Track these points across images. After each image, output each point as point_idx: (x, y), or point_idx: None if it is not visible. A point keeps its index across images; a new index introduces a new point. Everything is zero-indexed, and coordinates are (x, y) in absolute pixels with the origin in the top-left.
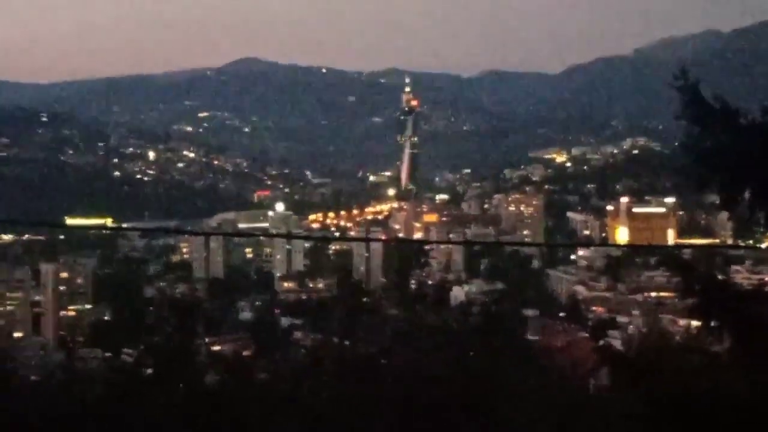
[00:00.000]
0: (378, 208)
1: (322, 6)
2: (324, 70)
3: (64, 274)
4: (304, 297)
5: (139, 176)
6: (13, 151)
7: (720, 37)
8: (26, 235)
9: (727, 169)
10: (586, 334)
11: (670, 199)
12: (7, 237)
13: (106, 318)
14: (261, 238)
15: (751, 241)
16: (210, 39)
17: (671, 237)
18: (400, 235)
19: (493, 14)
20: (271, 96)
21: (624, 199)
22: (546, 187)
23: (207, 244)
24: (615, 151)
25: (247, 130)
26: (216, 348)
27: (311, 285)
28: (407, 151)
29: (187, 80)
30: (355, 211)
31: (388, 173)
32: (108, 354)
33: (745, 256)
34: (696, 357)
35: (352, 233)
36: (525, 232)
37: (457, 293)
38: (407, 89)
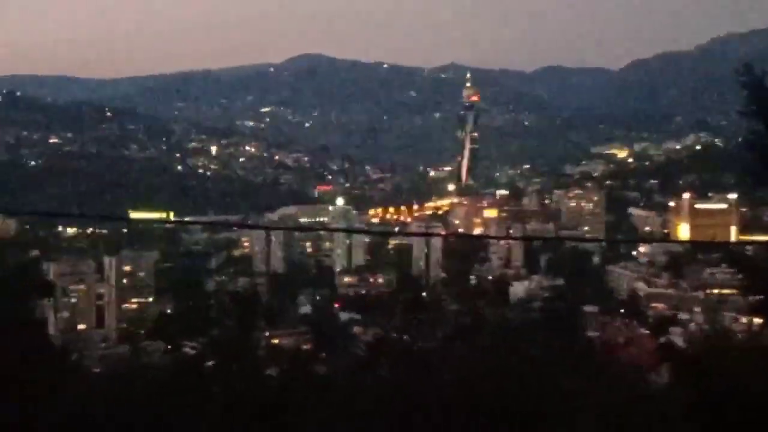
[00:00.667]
0: (438, 203)
1: (382, 2)
2: (385, 66)
3: (127, 268)
4: (363, 292)
5: (201, 171)
6: (78, 146)
7: None
8: (90, 229)
9: None
10: (647, 331)
11: (732, 196)
12: (72, 230)
13: (167, 311)
14: (321, 232)
15: None
16: (272, 35)
17: (733, 233)
18: (460, 230)
19: (552, 9)
20: (332, 91)
21: (686, 195)
22: (607, 182)
23: (268, 239)
24: (677, 147)
25: (308, 125)
26: (276, 342)
27: (371, 280)
28: (467, 146)
29: (249, 76)
30: (415, 206)
31: (448, 168)
32: (169, 347)
33: None
34: (758, 356)
35: (412, 228)
36: (585, 228)
37: (517, 289)
38: (468, 85)
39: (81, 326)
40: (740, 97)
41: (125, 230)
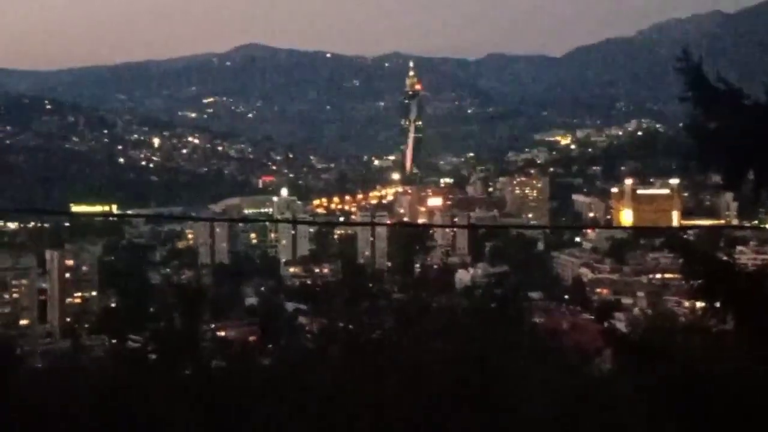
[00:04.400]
0: (382, 192)
1: None
2: (328, 55)
3: (70, 262)
4: (309, 282)
5: (143, 163)
6: (17, 139)
7: (724, 18)
8: (31, 223)
9: (730, 150)
10: (591, 317)
11: (674, 181)
12: (13, 225)
13: (111, 305)
14: (266, 223)
15: (755, 222)
16: (213, 25)
17: (676, 218)
18: (405, 219)
19: None
20: (275, 81)
21: (628, 181)
22: (551, 169)
23: (212, 230)
24: (619, 133)
25: (251, 115)
26: (222, 334)
27: (316, 270)
28: (411, 135)
29: (190, 67)
30: (359, 196)
31: (392, 157)
32: (113, 341)
33: (750, 236)
34: (700, 338)
35: (357, 218)
36: (530, 215)
37: (462, 276)
38: (411, 73)
39: (23, 321)
40: (680, 82)
41: (67, 224)
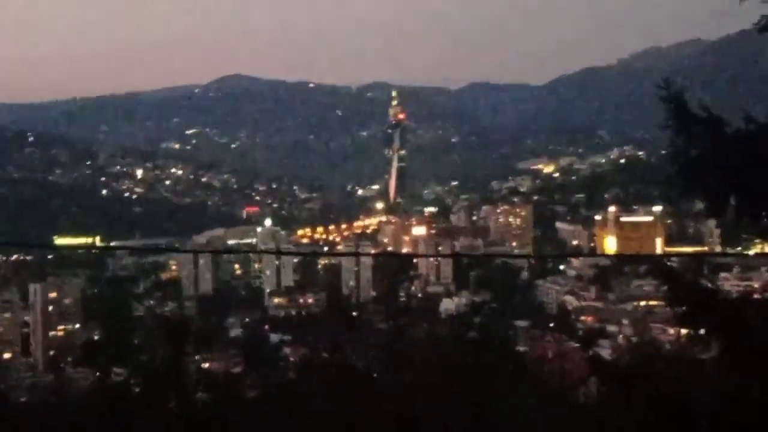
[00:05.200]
0: (366, 221)
1: (307, 21)
2: (311, 85)
3: (53, 294)
4: (293, 312)
5: (127, 194)
6: (0, 172)
7: (704, 46)
8: (14, 256)
9: (712, 178)
10: (576, 344)
11: (657, 208)
12: None
13: (95, 337)
14: (250, 254)
15: (739, 248)
16: (196, 56)
17: (659, 245)
18: (389, 248)
19: (477, 27)
20: (258, 112)
21: (612, 209)
22: (534, 198)
23: (196, 262)
24: (602, 161)
25: (234, 146)
26: (206, 365)
27: (301, 300)
28: (395, 164)
29: (173, 98)
30: (343, 226)
31: (376, 187)
32: (98, 373)
33: (733, 263)
34: (685, 365)
35: (341, 248)
36: (513, 244)
37: (447, 305)
38: (394, 102)
39: (6, 355)
40: (662, 110)
41: (50, 256)
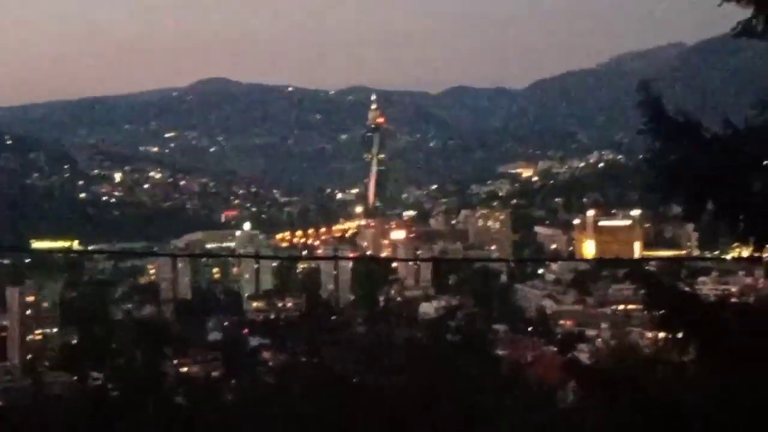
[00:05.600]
0: (346, 225)
1: (286, 25)
2: (290, 89)
3: (30, 298)
4: (272, 316)
5: (105, 198)
6: None
7: (685, 50)
8: None
9: (690, 182)
10: (555, 348)
11: (636, 212)
12: None
13: (73, 341)
14: (229, 258)
15: (716, 252)
16: (174, 59)
17: (638, 250)
18: (368, 252)
19: (457, 31)
20: (237, 115)
21: (590, 213)
22: (513, 201)
23: (174, 266)
24: (581, 164)
25: (213, 149)
26: (184, 369)
27: (280, 304)
28: (374, 168)
29: (152, 101)
30: (322, 229)
31: (355, 190)
32: (75, 378)
33: (712, 267)
34: (663, 368)
35: (320, 251)
36: (492, 247)
37: (426, 309)
38: (373, 106)
39: None
40: (640, 114)
41: (28, 260)
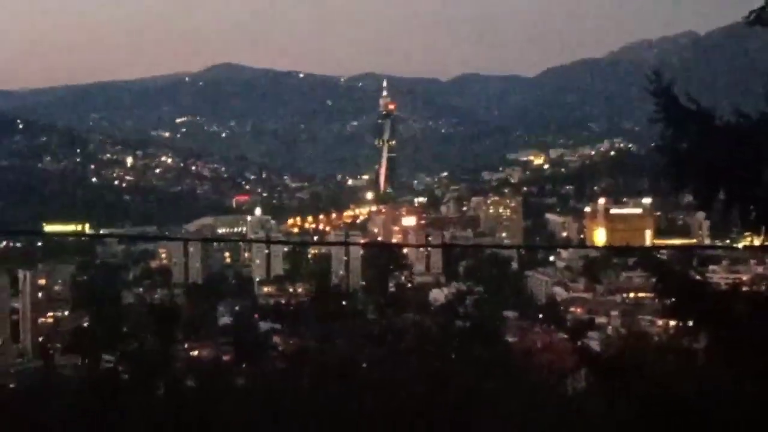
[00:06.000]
0: (356, 211)
1: (298, 11)
2: (301, 75)
3: (42, 281)
4: (283, 301)
5: (117, 182)
6: None
7: (696, 39)
8: (3, 243)
9: (701, 170)
10: (565, 336)
11: (647, 200)
12: None
13: (84, 324)
14: (240, 243)
15: (727, 241)
16: (186, 45)
17: (648, 238)
18: (379, 238)
19: (469, 18)
20: (249, 101)
21: (601, 201)
22: (524, 189)
23: (185, 250)
24: (592, 152)
25: (224, 135)
26: (195, 353)
27: (290, 289)
28: (385, 154)
29: (164, 86)
30: (333, 215)
31: (366, 177)
32: (86, 361)
33: (722, 255)
34: (673, 357)
35: (331, 237)
36: (503, 234)
37: (436, 295)
38: (384, 93)
39: None
40: (652, 103)
41: (40, 243)
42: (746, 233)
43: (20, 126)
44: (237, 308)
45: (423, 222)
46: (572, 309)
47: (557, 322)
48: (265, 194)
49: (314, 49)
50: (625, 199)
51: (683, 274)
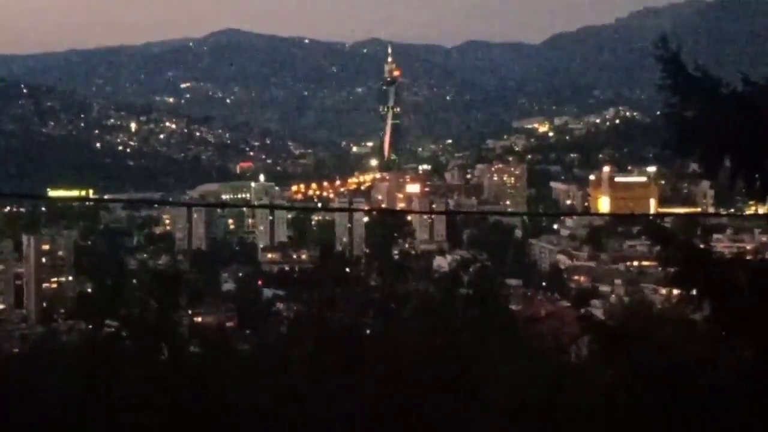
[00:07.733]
0: (361, 178)
1: None
2: (306, 41)
3: (46, 246)
4: (287, 268)
5: (120, 148)
6: None
7: (702, 6)
8: (7, 208)
9: (707, 139)
10: (568, 304)
11: (651, 169)
12: None
13: (87, 290)
14: (244, 209)
15: (732, 210)
16: (190, 10)
17: (653, 206)
18: (383, 205)
19: None
20: (253, 67)
21: (606, 169)
22: (528, 157)
23: (189, 216)
24: (597, 120)
25: (229, 101)
26: (199, 320)
27: (294, 256)
28: (389, 121)
29: (168, 51)
30: (337, 182)
31: (370, 144)
32: (89, 326)
33: (727, 224)
34: (676, 325)
35: (335, 204)
36: (507, 202)
37: (440, 263)
38: (389, 59)
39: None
40: (658, 70)
41: (44, 209)
42: (750, 202)
43: (24, 91)
44: (241, 275)
45: (427, 189)
46: (576, 277)
47: (561, 290)
48: (268, 161)
49: (319, 15)
50: (630, 167)
51: (687, 243)
